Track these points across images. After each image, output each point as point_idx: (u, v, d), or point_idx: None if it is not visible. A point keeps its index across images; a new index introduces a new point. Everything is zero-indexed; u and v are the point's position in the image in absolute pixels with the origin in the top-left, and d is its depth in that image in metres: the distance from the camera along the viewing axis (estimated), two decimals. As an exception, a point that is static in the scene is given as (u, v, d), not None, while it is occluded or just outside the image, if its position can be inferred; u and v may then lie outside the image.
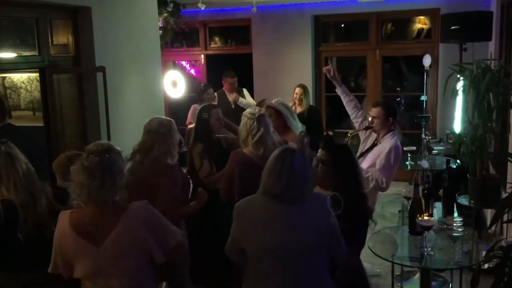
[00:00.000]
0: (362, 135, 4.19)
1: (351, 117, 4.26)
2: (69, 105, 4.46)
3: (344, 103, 4.27)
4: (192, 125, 4.45)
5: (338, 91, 4.28)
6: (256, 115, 3.43)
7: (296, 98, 5.83)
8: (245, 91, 6.46)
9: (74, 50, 4.40)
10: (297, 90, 5.86)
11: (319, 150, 2.80)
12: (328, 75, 4.32)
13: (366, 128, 4.05)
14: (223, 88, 6.35)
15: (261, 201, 2.29)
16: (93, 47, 4.35)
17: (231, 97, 6.10)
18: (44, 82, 4.12)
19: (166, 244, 2.22)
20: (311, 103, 6.57)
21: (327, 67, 4.37)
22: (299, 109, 5.69)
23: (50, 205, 2.47)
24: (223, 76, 6.32)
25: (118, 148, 2.26)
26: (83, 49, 4.40)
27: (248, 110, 3.66)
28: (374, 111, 3.89)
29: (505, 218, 2.83)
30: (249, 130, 3.38)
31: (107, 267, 2.12)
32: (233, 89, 6.31)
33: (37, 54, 4.08)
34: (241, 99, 6.13)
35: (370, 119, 4.03)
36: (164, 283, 3.37)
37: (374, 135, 4.04)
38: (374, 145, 3.98)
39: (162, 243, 2.20)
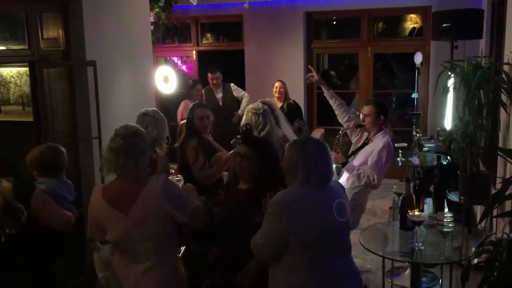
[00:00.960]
0: (353, 135, 4.20)
1: (341, 120, 4.25)
2: (59, 99, 4.41)
3: (333, 107, 4.28)
4: (184, 121, 4.43)
5: (326, 95, 4.29)
6: (261, 110, 3.46)
7: (275, 92, 5.88)
8: (232, 86, 6.50)
9: (64, 44, 4.35)
10: (276, 84, 5.93)
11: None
12: (313, 80, 4.31)
13: (358, 126, 4.06)
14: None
15: (309, 191, 2.32)
16: (83, 41, 4.31)
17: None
18: (34, 76, 4.07)
19: (184, 210, 2.46)
20: (299, 99, 6.63)
21: (310, 73, 4.33)
22: (278, 104, 5.69)
23: (6, 204, 2.49)
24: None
25: (143, 130, 2.56)
26: (73, 43, 4.36)
27: (251, 106, 3.66)
28: (365, 109, 3.91)
29: (494, 213, 2.84)
30: (255, 125, 3.40)
31: (133, 232, 2.41)
32: (217, 84, 6.34)
33: (26, 47, 4.03)
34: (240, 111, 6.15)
35: (361, 116, 4.05)
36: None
37: (365, 134, 4.06)
38: (365, 143, 3.99)
39: (180, 209, 2.45)
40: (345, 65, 8.24)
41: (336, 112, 4.26)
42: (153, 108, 3.60)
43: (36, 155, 3.01)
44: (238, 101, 6.40)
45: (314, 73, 4.28)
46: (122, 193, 2.44)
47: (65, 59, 4.37)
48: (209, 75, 6.34)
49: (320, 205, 2.32)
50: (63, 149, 3.16)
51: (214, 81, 6.38)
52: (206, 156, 3.71)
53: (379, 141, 3.77)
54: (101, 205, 2.46)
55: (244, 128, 3.27)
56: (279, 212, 2.28)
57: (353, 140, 4.16)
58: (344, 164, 3.87)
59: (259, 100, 4.07)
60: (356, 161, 3.87)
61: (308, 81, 4.49)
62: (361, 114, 4.12)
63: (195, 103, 4.19)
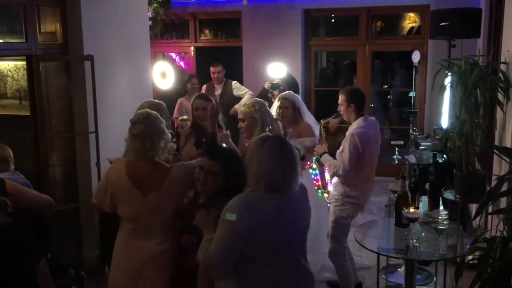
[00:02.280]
0: None
1: None
2: (56, 94, 4.41)
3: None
4: (183, 117, 4.45)
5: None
6: (256, 107, 3.49)
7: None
8: (234, 84, 6.35)
9: (62, 38, 4.34)
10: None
11: (202, 157, 2.52)
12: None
13: (336, 117, 4.09)
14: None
15: (261, 197, 2.13)
16: (81, 35, 4.29)
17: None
18: (31, 70, 4.06)
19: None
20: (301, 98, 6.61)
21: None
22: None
23: None
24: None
25: (154, 112, 2.69)
26: (71, 37, 4.34)
27: (243, 108, 3.66)
28: (339, 99, 3.88)
29: (490, 211, 2.85)
30: (261, 118, 3.46)
31: (149, 213, 2.54)
32: (218, 79, 6.25)
33: (24, 41, 4.02)
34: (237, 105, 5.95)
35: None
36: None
37: None
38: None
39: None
40: (345, 65, 8.25)
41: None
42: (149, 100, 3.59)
43: None
44: (238, 100, 6.24)
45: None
46: (147, 175, 2.56)
47: (62, 53, 4.36)
48: (211, 68, 6.28)
49: (277, 212, 2.14)
50: (4, 145, 3.41)
51: (215, 75, 6.22)
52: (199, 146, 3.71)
53: (348, 132, 3.75)
54: (122, 180, 2.57)
55: (207, 137, 3.19)
56: (237, 212, 2.10)
57: None
58: (321, 155, 3.85)
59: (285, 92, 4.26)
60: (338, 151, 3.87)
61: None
62: None
63: (196, 95, 4.19)
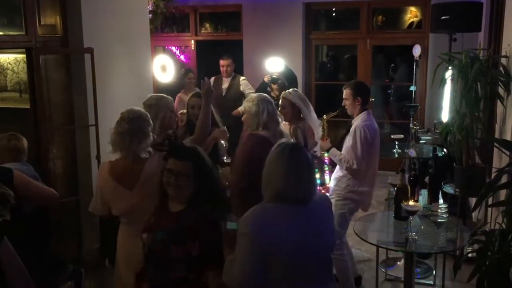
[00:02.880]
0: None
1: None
2: (56, 87, 4.40)
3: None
4: (184, 110, 4.44)
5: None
6: (257, 100, 3.49)
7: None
8: (242, 79, 6.31)
9: (62, 31, 4.33)
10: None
11: (169, 159, 2.32)
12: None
13: (340, 111, 4.07)
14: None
15: (277, 207, 2.03)
16: (81, 28, 4.28)
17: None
18: (31, 62, 4.06)
19: None
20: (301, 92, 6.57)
21: None
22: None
23: None
24: None
25: (147, 114, 2.80)
26: (71, 30, 4.33)
27: (247, 102, 3.65)
28: (344, 93, 3.89)
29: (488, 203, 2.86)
30: (257, 114, 3.42)
31: (138, 206, 2.63)
32: (227, 72, 6.23)
33: (24, 33, 4.02)
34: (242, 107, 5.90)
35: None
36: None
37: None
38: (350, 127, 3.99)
39: None
40: (345, 59, 8.24)
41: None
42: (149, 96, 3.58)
43: None
44: (244, 96, 6.20)
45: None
46: (127, 171, 2.69)
47: (62, 46, 4.35)
48: (220, 61, 6.27)
49: (295, 224, 2.02)
50: (22, 136, 3.41)
51: (225, 68, 6.20)
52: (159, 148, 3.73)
53: (354, 126, 3.76)
54: (107, 181, 2.71)
55: (169, 137, 3.22)
56: (248, 231, 1.98)
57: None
58: (328, 150, 3.86)
59: (289, 90, 4.17)
60: (344, 146, 3.87)
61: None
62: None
63: (193, 92, 4.18)
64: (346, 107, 3.93)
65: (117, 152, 2.74)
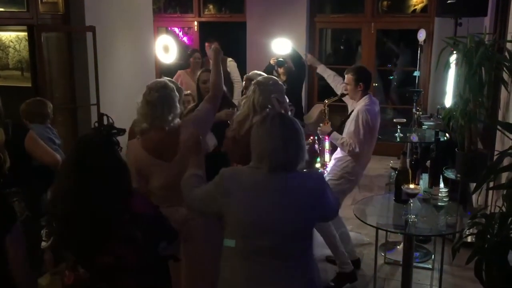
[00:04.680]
0: (349, 104, 4.19)
1: (334, 88, 4.28)
2: (57, 65, 4.39)
3: (329, 81, 4.38)
4: (188, 92, 4.41)
5: (319, 70, 4.44)
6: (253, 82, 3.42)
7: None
8: (230, 61, 6.25)
9: (64, 9, 4.31)
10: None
11: None
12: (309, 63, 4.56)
13: (342, 95, 4.05)
14: None
15: (252, 173, 2.04)
16: (83, 6, 4.27)
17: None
18: (32, 40, 4.04)
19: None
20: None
21: (308, 57, 4.64)
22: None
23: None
24: None
25: (172, 83, 2.77)
26: (72, 8, 4.32)
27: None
28: (346, 78, 3.89)
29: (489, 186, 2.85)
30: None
31: (178, 177, 2.46)
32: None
33: (25, 10, 3.99)
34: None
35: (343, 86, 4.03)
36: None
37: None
38: (351, 112, 3.99)
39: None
40: (345, 40, 8.15)
41: (332, 85, 4.28)
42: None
43: (24, 106, 3.68)
44: (230, 78, 6.08)
45: (309, 56, 4.55)
46: (162, 142, 2.66)
47: (64, 23, 4.33)
48: (206, 44, 6.26)
49: (266, 193, 1.99)
50: (48, 101, 3.77)
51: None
52: None
53: (357, 110, 3.76)
54: (143, 156, 2.67)
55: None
56: (220, 182, 2.06)
57: (349, 108, 4.15)
58: (329, 134, 3.86)
59: (251, 72, 3.99)
60: (345, 130, 3.87)
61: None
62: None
63: (203, 69, 4.15)
64: (347, 92, 3.92)
65: (145, 123, 2.66)
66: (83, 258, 2.00)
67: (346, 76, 3.89)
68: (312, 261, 2.13)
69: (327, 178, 3.79)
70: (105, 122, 2.05)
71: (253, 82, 3.18)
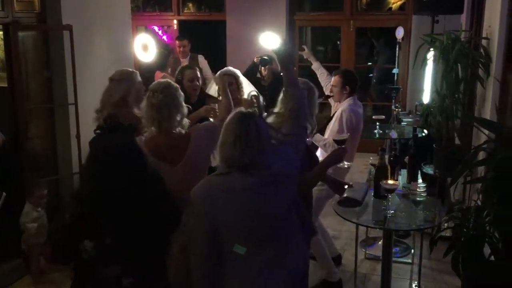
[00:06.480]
0: (333, 106, 4.22)
1: (324, 88, 4.32)
2: (34, 64, 4.32)
3: (318, 76, 4.42)
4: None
5: (314, 67, 4.44)
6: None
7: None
8: (201, 58, 6.27)
9: (40, 7, 4.23)
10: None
11: None
12: (305, 57, 4.55)
13: (327, 97, 4.08)
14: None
15: (224, 179, 2.02)
16: (59, 4, 4.19)
17: None
18: (8, 39, 3.96)
19: None
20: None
21: (305, 51, 4.58)
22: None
23: None
24: None
25: (175, 83, 2.70)
26: (49, 6, 4.24)
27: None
28: (332, 80, 3.92)
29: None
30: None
31: (182, 181, 2.43)
32: (184, 53, 6.19)
33: (0, 9, 3.91)
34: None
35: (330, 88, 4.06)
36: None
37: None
38: (335, 113, 4.01)
39: None
40: (325, 38, 8.19)
41: (320, 79, 4.32)
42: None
43: None
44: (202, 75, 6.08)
45: (306, 50, 4.52)
46: (168, 148, 2.56)
47: (40, 22, 4.26)
48: (176, 42, 6.24)
49: (243, 193, 1.99)
50: None
51: (181, 49, 6.20)
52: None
53: (341, 110, 3.79)
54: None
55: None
56: (194, 210, 2.02)
57: (333, 109, 4.18)
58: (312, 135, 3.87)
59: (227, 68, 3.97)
60: (327, 131, 3.89)
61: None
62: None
63: (183, 66, 4.13)
64: (332, 94, 3.94)
65: (153, 127, 2.58)
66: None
67: (333, 78, 3.92)
68: (297, 249, 2.15)
69: None
70: None
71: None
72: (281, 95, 2.79)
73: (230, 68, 3.96)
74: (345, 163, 3.01)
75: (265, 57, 5.12)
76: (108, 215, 1.92)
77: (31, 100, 4.28)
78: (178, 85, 2.70)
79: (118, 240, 1.91)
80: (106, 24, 4.70)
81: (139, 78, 3.34)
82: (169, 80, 2.72)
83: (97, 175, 1.95)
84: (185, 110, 2.66)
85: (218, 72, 3.81)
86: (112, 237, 1.91)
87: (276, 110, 2.84)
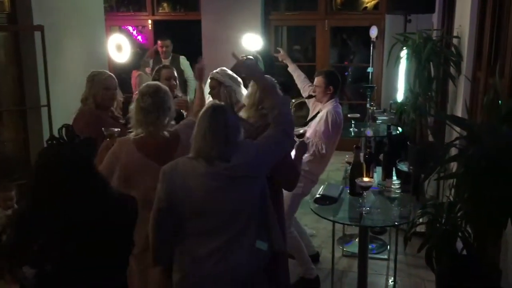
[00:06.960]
0: (310, 104, 4.23)
1: (301, 90, 4.33)
2: (5, 66, 4.23)
3: (295, 78, 4.39)
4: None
5: (290, 69, 4.40)
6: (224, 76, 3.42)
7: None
8: (183, 59, 6.24)
9: (10, 7, 4.15)
10: None
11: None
12: (280, 59, 4.50)
13: (309, 97, 4.09)
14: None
15: (195, 164, 2.18)
16: (30, 5, 4.12)
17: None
18: (-24, 40, 3.89)
19: None
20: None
21: (279, 54, 4.53)
22: None
23: None
24: None
25: (165, 86, 2.67)
26: (19, 6, 4.16)
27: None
28: (316, 80, 3.93)
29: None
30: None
31: None
32: (166, 53, 6.16)
33: (-32, 9, 3.84)
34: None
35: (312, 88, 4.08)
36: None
37: (319, 105, 4.09)
38: (317, 114, 4.03)
39: None
40: (300, 37, 8.22)
41: (297, 82, 4.33)
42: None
43: None
44: (183, 76, 6.05)
45: (282, 52, 4.47)
46: (158, 147, 2.56)
47: (10, 23, 4.17)
48: (159, 42, 6.20)
49: (200, 178, 2.15)
50: None
51: (164, 49, 6.16)
52: None
53: (326, 111, 3.81)
54: (135, 157, 2.53)
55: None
56: (160, 181, 2.21)
57: (311, 108, 4.20)
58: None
59: (216, 70, 3.91)
60: (309, 131, 3.90)
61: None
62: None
63: (160, 66, 4.10)
64: (315, 94, 3.95)
65: (139, 129, 2.57)
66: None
67: (316, 78, 3.91)
68: (249, 247, 2.22)
69: None
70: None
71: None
72: (249, 89, 2.95)
73: (225, 73, 3.66)
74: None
75: (250, 57, 4.98)
76: (44, 240, 1.69)
77: (1, 103, 4.19)
78: (167, 88, 2.68)
79: (61, 269, 1.70)
80: (79, 24, 4.64)
81: (104, 81, 3.25)
82: (159, 83, 2.70)
83: (33, 191, 1.76)
84: (174, 114, 2.66)
85: (215, 70, 3.76)
86: (53, 265, 1.69)
87: (245, 103, 2.95)
